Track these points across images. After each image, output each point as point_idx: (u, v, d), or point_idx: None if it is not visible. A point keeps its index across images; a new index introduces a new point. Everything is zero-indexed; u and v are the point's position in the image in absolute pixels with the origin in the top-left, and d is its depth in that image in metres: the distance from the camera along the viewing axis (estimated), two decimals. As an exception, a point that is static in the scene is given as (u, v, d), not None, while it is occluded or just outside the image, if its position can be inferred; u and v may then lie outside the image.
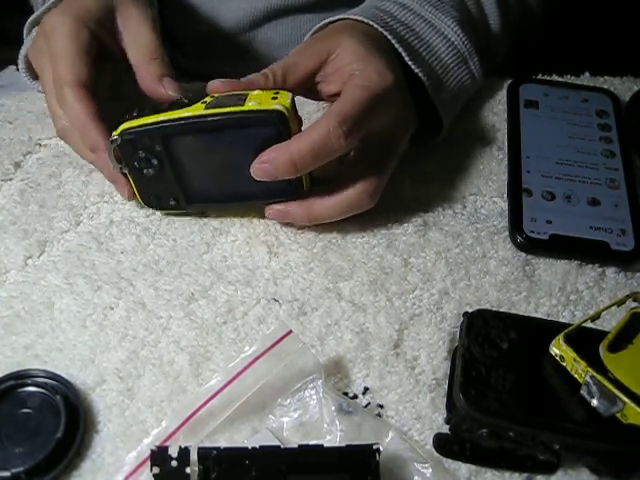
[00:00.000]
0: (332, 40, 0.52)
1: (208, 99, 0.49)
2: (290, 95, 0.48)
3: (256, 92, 0.48)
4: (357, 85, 0.49)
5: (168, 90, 0.51)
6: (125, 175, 0.52)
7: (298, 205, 0.51)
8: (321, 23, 0.56)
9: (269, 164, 0.48)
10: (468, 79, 0.59)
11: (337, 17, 0.56)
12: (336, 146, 0.47)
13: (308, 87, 0.53)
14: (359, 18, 0.55)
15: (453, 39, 0.58)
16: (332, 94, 0.52)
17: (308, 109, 0.60)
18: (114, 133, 0.49)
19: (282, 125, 0.47)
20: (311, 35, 0.57)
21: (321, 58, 0.51)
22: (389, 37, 0.54)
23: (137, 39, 0.53)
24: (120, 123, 0.49)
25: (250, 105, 0.47)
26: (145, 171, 0.51)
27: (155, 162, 0.50)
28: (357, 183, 0.50)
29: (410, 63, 0.55)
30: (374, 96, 0.49)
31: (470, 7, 0.62)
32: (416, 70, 0.55)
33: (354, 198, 0.51)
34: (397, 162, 0.54)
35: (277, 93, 0.48)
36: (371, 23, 0.54)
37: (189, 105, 0.49)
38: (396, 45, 0.54)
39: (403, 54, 0.54)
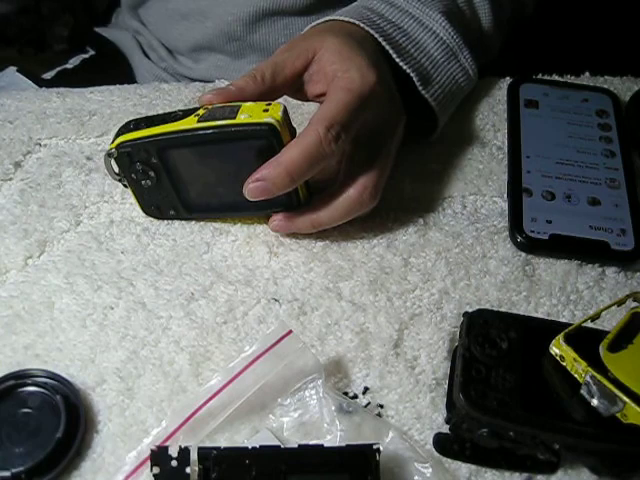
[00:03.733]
0: (316, 40, 0.52)
1: (201, 111, 0.49)
2: (282, 107, 0.48)
3: (249, 104, 0.49)
4: (340, 87, 0.49)
5: None
6: (125, 186, 0.52)
7: (301, 214, 0.52)
8: (309, 26, 0.57)
9: (265, 181, 0.47)
10: (460, 74, 0.60)
11: (324, 19, 0.56)
12: (327, 151, 0.47)
13: (296, 87, 0.53)
14: (345, 19, 0.55)
15: (441, 34, 0.58)
16: (317, 94, 0.52)
17: (309, 109, 0.61)
18: (111, 146, 0.50)
19: (274, 137, 0.47)
20: None
21: (307, 57, 0.52)
22: (376, 35, 0.54)
23: None
24: (117, 136, 0.50)
25: (242, 118, 0.47)
26: (143, 182, 0.51)
27: (152, 174, 0.51)
28: (356, 182, 0.50)
29: (397, 60, 0.55)
30: (357, 97, 0.49)
31: (459, 2, 0.62)
32: (403, 66, 0.55)
33: (356, 197, 0.51)
34: (393, 157, 0.54)
35: (269, 105, 0.48)
36: (357, 22, 0.55)
37: (182, 118, 0.49)
38: (383, 43, 0.54)
39: (390, 51, 0.55)
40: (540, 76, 0.66)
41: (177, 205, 0.53)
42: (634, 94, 0.64)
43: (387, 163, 0.53)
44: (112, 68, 0.80)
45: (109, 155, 0.50)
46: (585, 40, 0.87)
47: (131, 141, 0.49)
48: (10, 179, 0.57)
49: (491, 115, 0.63)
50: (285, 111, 0.48)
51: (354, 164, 0.51)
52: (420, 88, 0.56)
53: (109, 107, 0.62)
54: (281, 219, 0.52)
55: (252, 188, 0.48)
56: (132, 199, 0.54)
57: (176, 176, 0.51)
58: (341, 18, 0.55)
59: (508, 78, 0.66)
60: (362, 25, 0.54)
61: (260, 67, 0.51)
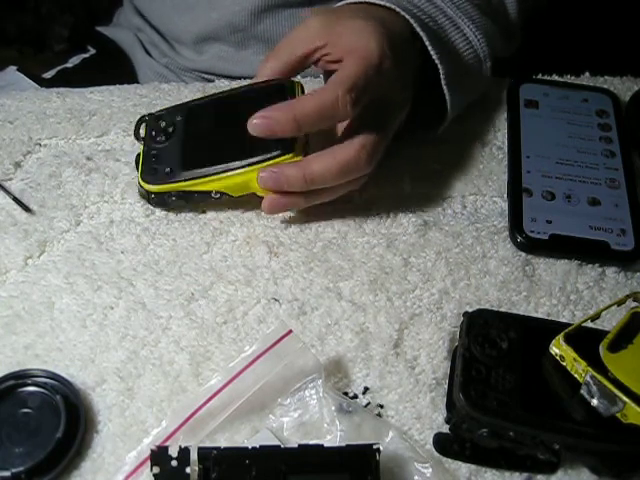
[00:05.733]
0: (341, 24, 0.52)
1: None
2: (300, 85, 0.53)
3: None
4: (359, 56, 0.50)
5: None
6: (138, 156, 0.54)
7: (294, 166, 0.50)
8: (341, 3, 0.56)
9: (271, 120, 0.48)
10: (480, 82, 0.60)
11: None
12: (342, 113, 0.48)
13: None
14: (381, 3, 0.55)
15: (472, 41, 0.58)
16: (331, 61, 0.52)
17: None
18: (146, 114, 0.55)
19: (290, 92, 0.51)
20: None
21: (329, 38, 0.52)
22: (412, 21, 0.54)
23: None
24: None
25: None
26: (158, 139, 0.54)
27: (170, 130, 0.54)
28: (355, 141, 0.50)
29: (430, 48, 0.54)
30: (374, 67, 0.50)
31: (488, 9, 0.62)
32: (433, 55, 0.55)
33: (352, 156, 0.50)
34: (394, 130, 0.54)
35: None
36: (393, 7, 0.55)
37: None
38: (417, 29, 0.54)
39: (424, 38, 0.54)
40: (540, 76, 0.66)
41: (175, 162, 0.53)
42: (634, 94, 0.64)
43: (388, 132, 0.53)
44: (113, 67, 0.80)
45: (140, 120, 0.55)
46: (585, 40, 0.87)
47: (167, 109, 0.56)
48: (10, 179, 0.57)
49: (491, 115, 0.63)
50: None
51: (356, 126, 0.51)
52: (444, 82, 0.56)
53: (109, 107, 0.62)
54: (272, 169, 0.50)
55: (257, 123, 0.49)
56: (132, 199, 0.54)
57: (190, 130, 0.54)
58: (378, 2, 0.55)
59: (508, 78, 0.66)
60: (398, 10, 0.55)
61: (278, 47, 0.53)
